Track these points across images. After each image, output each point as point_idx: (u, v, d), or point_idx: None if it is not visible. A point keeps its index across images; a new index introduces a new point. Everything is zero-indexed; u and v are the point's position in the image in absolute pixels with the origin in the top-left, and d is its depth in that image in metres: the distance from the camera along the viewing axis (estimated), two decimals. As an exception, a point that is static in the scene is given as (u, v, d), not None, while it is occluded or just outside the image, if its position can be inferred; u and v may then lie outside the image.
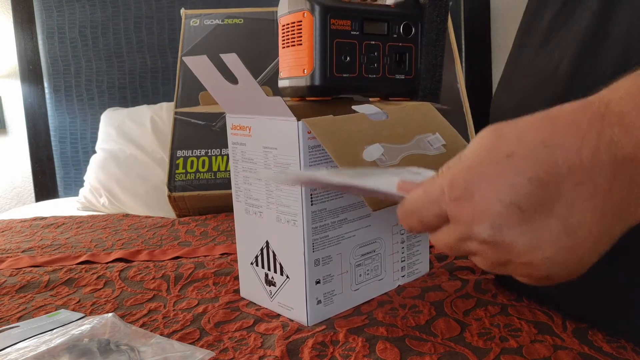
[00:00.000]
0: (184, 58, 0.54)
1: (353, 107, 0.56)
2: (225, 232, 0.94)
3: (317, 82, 0.57)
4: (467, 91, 1.22)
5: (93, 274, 0.73)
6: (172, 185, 1.11)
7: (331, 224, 0.53)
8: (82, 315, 0.58)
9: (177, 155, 1.16)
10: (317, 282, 0.53)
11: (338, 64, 0.57)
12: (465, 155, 0.29)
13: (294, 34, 0.59)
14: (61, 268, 0.76)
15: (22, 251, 0.89)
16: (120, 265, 0.76)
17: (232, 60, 0.48)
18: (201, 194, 1.13)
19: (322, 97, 0.60)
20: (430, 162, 0.56)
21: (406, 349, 0.46)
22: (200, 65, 0.53)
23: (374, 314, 0.54)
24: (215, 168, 1.15)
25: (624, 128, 0.25)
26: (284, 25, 0.60)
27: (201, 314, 0.57)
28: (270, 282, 0.56)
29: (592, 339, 0.46)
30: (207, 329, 0.53)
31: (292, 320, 0.54)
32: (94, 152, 1.45)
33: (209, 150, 1.17)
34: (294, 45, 0.59)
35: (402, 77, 0.61)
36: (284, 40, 0.61)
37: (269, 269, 0.56)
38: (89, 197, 1.32)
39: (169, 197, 1.10)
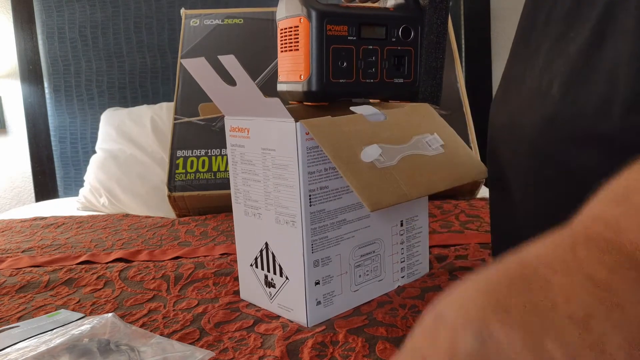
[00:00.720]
0: (182, 61, 0.54)
1: (351, 108, 0.56)
2: (225, 232, 0.94)
3: (313, 87, 0.57)
4: (467, 91, 1.22)
5: (93, 274, 0.73)
6: (172, 185, 1.11)
7: (330, 225, 0.53)
8: (82, 315, 0.58)
9: (177, 155, 1.16)
10: (317, 283, 0.53)
11: (335, 69, 0.57)
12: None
13: (290, 38, 0.59)
14: (61, 268, 0.76)
15: (22, 251, 0.89)
16: (120, 265, 0.76)
17: (230, 62, 0.48)
18: (201, 194, 1.13)
19: (319, 103, 0.60)
20: (428, 162, 0.56)
21: (406, 349, 0.46)
22: (198, 68, 0.53)
23: (374, 314, 0.54)
24: (215, 168, 1.15)
25: None
26: (282, 30, 0.60)
27: (201, 314, 0.57)
28: (269, 284, 0.56)
29: (591, 339, 0.46)
30: (207, 329, 0.53)
31: (291, 322, 0.54)
32: (94, 152, 1.45)
33: (209, 150, 1.17)
34: (291, 50, 0.59)
35: (401, 80, 0.61)
36: (282, 44, 0.61)
37: (268, 271, 0.56)
38: (89, 197, 1.32)
39: (169, 197, 1.10)
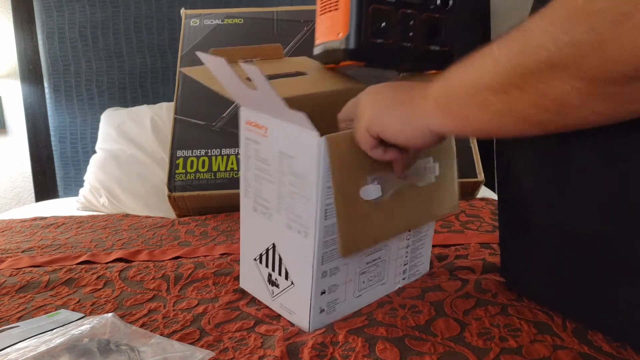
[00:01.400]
0: (197, 53, 0.52)
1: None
2: (225, 232, 0.94)
3: (351, 45, 0.58)
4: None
5: (93, 274, 0.73)
6: (172, 185, 1.10)
7: None
8: (82, 315, 0.58)
9: (177, 155, 1.16)
10: (322, 293, 0.52)
11: (373, 28, 0.58)
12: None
13: (330, 0, 0.60)
14: (61, 268, 0.76)
15: (22, 251, 0.89)
16: (120, 265, 0.76)
17: (253, 72, 0.46)
18: (201, 194, 1.13)
19: (356, 62, 0.60)
20: (416, 197, 0.56)
21: (406, 349, 0.46)
22: (216, 65, 0.51)
23: (374, 314, 0.54)
24: (215, 168, 1.15)
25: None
26: None
27: (201, 314, 0.57)
28: (273, 283, 0.56)
29: (591, 339, 0.46)
30: (207, 329, 0.53)
31: (292, 325, 0.54)
32: (94, 152, 1.45)
33: (209, 150, 1.17)
34: (330, 11, 0.60)
35: (437, 48, 0.61)
36: (321, 6, 0.62)
37: (273, 270, 0.56)
38: (89, 197, 1.32)
39: (169, 197, 1.10)
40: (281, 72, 0.72)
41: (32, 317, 0.59)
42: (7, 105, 1.67)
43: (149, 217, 1.14)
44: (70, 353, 0.47)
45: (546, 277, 0.51)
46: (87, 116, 1.61)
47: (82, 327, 0.52)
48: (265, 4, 1.57)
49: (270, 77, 0.56)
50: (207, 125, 1.19)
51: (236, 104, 1.20)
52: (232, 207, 1.10)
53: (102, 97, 1.60)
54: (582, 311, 0.48)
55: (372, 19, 0.57)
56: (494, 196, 1.20)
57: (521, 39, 0.34)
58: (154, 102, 1.54)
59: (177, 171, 1.13)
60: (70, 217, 1.17)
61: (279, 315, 0.55)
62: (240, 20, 1.29)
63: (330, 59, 0.61)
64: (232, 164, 1.15)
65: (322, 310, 0.53)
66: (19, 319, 0.59)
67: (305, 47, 1.26)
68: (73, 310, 0.60)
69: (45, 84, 1.61)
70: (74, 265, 0.78)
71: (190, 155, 1.16)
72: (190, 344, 0.50)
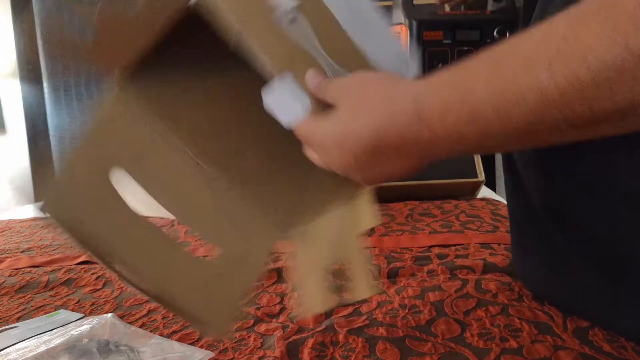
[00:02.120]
0: None
1: None
2: (225, 232, 0.94)
3: None
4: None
5: (92, 274, 0.73)
6: (171, 185, 1.10)
7: None
8: (82, 315, 0.58)
9: (177, 155, 1.16)
10: None
11: (430, 70, 0.63)
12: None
13: None
14: (60, 268, 0.76)
15: (22, 251, 0.88)
16: (120, 265, 0.76)
17: None
18: (201, 194, 1.12)
19: None
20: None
21: (406, 350, 0.46)
22: None
23: (374, 314, 0.53)
24: (215, 168, 1.14)
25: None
26: None
27: (201, 314, 0.57)
28: None
29: (592, 339, 0.45)
30: (207, 329, 0.53)
31: (292, 322, 0.54)
32: (94, 152, 1.45)
33: (209, 150, 1.16)
34: None
35: None
36: None
37: None
38: (89, 197, 1.32)
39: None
40: None
41: (32, 318, 0.59)
42: (7, 105, 1.67)
43: (149, 217, 1.14)
44: (69, 353, 0.47)
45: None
46: (87, 116, 1.61)
47: (82, 328, 0.51)
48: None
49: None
50: (207, 125, 1.19)
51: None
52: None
53: (102, 97, 1.60)
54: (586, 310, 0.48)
55: (429, 62, 0.63)
56: (494, 196, 1.20)
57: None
58: (154, 102, 1.53)
59: (176, 171, 1.12)
60: (70, 217, 1.17)
61: (278, 313, 0.55)
62: (240, 20, 1.29)
63: None
64: (232, 164, 1.15)
65: None
66: (18, 319, 0.59)
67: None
68: (72, 310, 0.60)
69: (45, 84, 1.60)
70: (74, 266, 0.78)
71: (190, 155, 1.16)
72: (189, 344, 0.50)
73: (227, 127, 0.52)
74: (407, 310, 0.54)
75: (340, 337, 0.49)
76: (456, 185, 1.14)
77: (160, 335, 0.52)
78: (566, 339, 0.46)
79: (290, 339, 0.49)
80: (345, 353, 0.46)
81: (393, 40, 0.45)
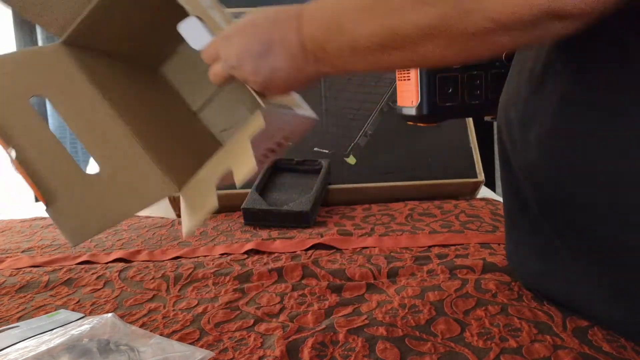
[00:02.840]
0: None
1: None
2: (225, 232, 0.94)
3: (424, 111, 0.68)
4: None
5: (93, 274, 0.73)
6: (172, 185, 1.11)
7: None
8: (82, 315, 0.58)
9: (177, 155, 1.16)
10: None
11: (441, 95, 0.67)
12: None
13: (404, 70, 0.71)
14: (61, 268, 0.76)
15: (22, 251, 0.89)
16: (120, 265, 0.76)
17: None
18: (201, 194, 1.12)
19: (429, 124, 0.74)
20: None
21: (406, 349, 0.46)
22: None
23: (374, 313, 0.54)
24: (215, 168, 1.15)
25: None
26: None
27: (201, 314, 0.57)
28: None
29: (592, 339, 0.46)
30: (207, 329, 0.53)
31: (292, 321, 0.54)
32: (94, 152, 1.44)
33: (209, 150, 1.16)
34: (404, 80, 0.71)
35: None
36: (398, 74, 0.73)
37: None
38: (89, 197, 1.32)
39: (169, 197, 1.10)
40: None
41: (32, 317, 0.59)
42: (7, 106, 1.67)
43: (149, 217, 1.14)
44: (70, 353, 0.47)
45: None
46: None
47: (82, 327, 0.52)
48: (266, 4, 1.57)
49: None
50: (207, 125, 1.19)
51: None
52: (232, 207, 1.09)
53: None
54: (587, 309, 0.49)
55: (440, 87, 0.66)
56: (494, 196, 1.20)
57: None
58: (154, 102, 1.53)
59: (177, 171, 1.13)
60: (70, 217, 1.17)
61: (278, 313, 0.55)
62: (240, 20, 1.29)
63: (407, 119, 0.73)
64: (232, 164, 1.15)
65: None
66: (18, 319, 0.59)
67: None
68: (73, 310, 0.60)
69: (45, 84, 1.60)
70: (74, 265, 0.78)
71: (190, 155, 1.16)
72: (190, 344, 0.50)
73: (142, 101, 0.65)
74: (406, 310, 0.54)
75: (340, 336, 0.49)
76: (456, 185, 1.14)
77: (161, 335, 0.52)
78: (565, 338, 0.46)
79: (290, 339, 0.49)
80: (345, 352, 0.46)
81: None
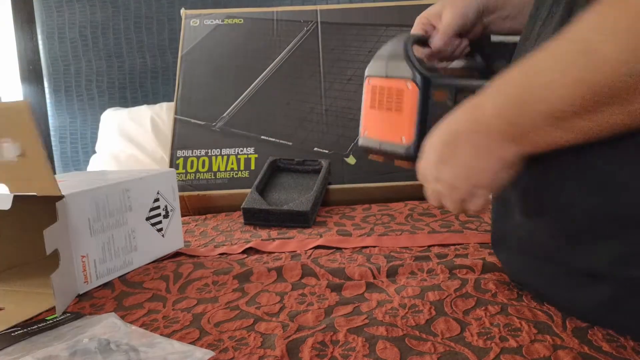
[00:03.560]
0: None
1: None
2: (224, 232, 0.94)
3: (420, 151, 0.57)
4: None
5: (93, 273, 0.73)
6: (172, 185, 1.11)
7: None
8: (82, 315, 0.58)
9: (177, 155, 1.16)
10: None
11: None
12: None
13: (391, 99, 0.59)
14: (61, 268, 0.76)
15: (22, 251, 0.89)
16: (120, 265, 0.76)
17: None
18: (201, 194, 1.13)
19: (413, 165, 0.61)
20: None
21: (406, 349, 0.46)
22: None
23: (374, 313, 0.54)
24: (215, 168, 1.15)
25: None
26: (378, 87, 0.60)
27: (201, 313, 0.57)
28: None
29: (591, 339, 0.46)
30: (207, 329, 0.53)
31: (292, 321, 0.54)
32: (94, 152, 1.45)
33: (209, 150, 1.17)
34: (390, 110, 0.60)
35: None
36: (378, 102, 0.61)
37: None
38: (89, 197, 1.32)
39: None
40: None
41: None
42: (7, 106, 1.67)
43: (149, 217, 1.14)
44: (69, 353, 0.47)
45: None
46: (87, 116, 1.61)
47: (82, 327, 0.52)
48: (266, 4, 1.57)
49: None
50: (207, 125, 1.19)
51: (236, 104, 1.20)
52: (232, 207, 1.10)
53: (102, 97, 1.60)
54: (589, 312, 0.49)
55: (436, 124, 0.56)
56: (494, 196, 1.20)
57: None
58: (154, 102, 1.54)
59: (177, 171, 1.13)
60: (70, 217, 1.17)
61: (278, 312, 0.55)
62: (240, 21, 1.29)
63: (388, 157, 0.62)
64: (232, 164, 1.15)
65: None
66: (18, 318, 0.59)
67: (305, 47, 1.26)
68: (73, 310, 0.60)
69: (46, 84, 1.61)
70: (74, 265, 0.78)
71: (190, 155, 1.16)
72: (190, 343, 0.50)
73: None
74: (406, 310, 0.54)
75: (340, 336, 0.49)
76: (456, 185, 1.14)
77: (161, 335, 0.52)
78: (565, 338, 0.46)
79: (291, 338, 0.49)
80: (345, 352, 0.46)
81: None
